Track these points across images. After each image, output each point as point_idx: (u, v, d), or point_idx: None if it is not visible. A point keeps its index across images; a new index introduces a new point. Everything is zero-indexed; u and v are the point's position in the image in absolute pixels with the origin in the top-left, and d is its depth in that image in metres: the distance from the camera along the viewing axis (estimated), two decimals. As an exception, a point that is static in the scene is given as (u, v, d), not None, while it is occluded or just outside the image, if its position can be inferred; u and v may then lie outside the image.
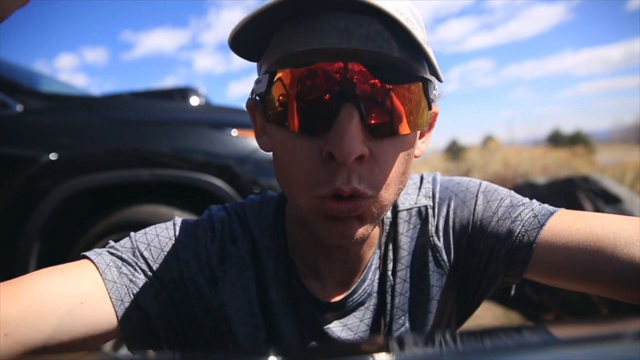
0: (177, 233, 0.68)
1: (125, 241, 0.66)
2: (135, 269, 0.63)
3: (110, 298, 0.58)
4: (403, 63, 0.52)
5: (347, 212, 0.53)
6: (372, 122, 0.52)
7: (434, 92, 0.57)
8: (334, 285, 0.69)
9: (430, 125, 0.67)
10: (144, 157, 2.16)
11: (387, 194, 0.56)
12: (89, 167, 2.13)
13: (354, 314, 0.68)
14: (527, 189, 3.77)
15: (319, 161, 0.53)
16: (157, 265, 0.65)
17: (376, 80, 0.51)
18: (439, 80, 0.57)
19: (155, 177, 2.12)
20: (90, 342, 0.57)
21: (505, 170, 7.59)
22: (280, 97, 0.54)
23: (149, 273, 0.64)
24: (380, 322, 0.69)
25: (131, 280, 0.61)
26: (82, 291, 0.56)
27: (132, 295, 0.60)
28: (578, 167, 7.15)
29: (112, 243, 0.66)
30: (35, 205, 2.08)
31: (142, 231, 0.68)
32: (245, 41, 0.55)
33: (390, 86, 0.52)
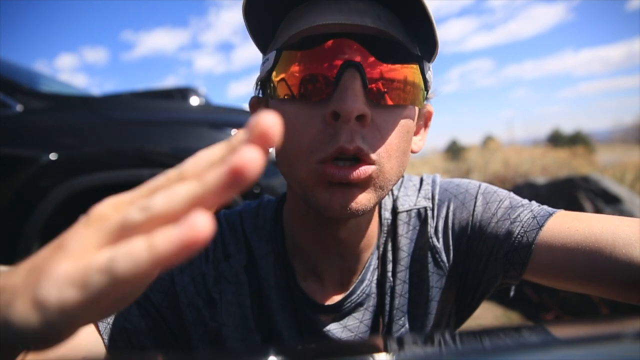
0: None
1: None
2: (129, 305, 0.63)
3: (103, 339, 0.59)
4: (402, 44, 0.56)
5: (349, 177, 0.54)
6: (373, 89, 0.54)
7: (429, 72, 0.60)
8: (333, 285, 0.69)
9: (426, 125, 0.69)
10: (144, 157, 2.16)
11: (389, 166, 0.57)
12: (89, 167, 2.13)
13: (353, 314, 0.68)
14: (527, 189, 3.77)
15: (322, 126, 0.55)
16: (153, 293, 0.65)
17: (375, 58, 0.54)
18: (435, 50, 0.59)
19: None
20: None
21: (505, 170, 7.59)
22: (286, 71, 0.56)
23: (143, 305, 0.64)
24: (379, 323, 0.69)
25: (126, 319, 0.62)
26: (76, 345, 0.55)
27: (125, 334, 0.61)
28: (578, 167, 7.14)
29: None
30: (35, 205, 2.08)
31: None
32: (257, 24, 0.60)
33: (388, 63, 0.55)
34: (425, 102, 0.64)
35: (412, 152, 0.65)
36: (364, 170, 0.54)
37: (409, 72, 0.57)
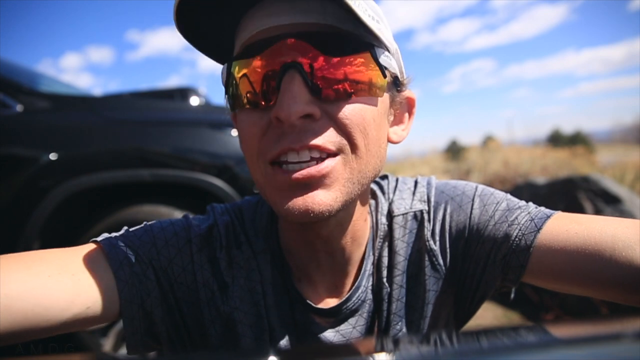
0: (192, 235, 0.68)
1: (141, 233, 0.66)
2: (147, 268, 0.62)
3: (120, 299, 0.59)
4: (350, 35, 0.55)
5: (292, 176, 0.54)
6: (319, 84, 0.54)
7: (385, 57, 0.58)
8: (326, 289, 0.68)
9: (410, 113, 0.68)
10: (144, 157, 2.16)
11: (358, 158, 0.56)
12: (88, 167, 2.13)
13: (348, 320, 0.68)
14: (527, 189, 3.77)
15: (270, 129, 0.56)
16: (172, 264, 0.65)
17: (319, 51, 0.54)
18: (386, 48, 0.58)
19: (155, 177, 2.12)
20: (87, 328, 0.58)
21: (505, 171, 7.59)
22: (236, 82, 0.57)
23: (160, 272, 0.64)
24: (374, 329, 0.69)
25: (141, 282, 0.61)
26: (91, 294, 0.56)
27: (140, 298, 0.61)
28: (578, 167, 7.14)
29: (127, 231, 0.66)
30: (35, 205, 2.08)
31: (158, 225, 0.68)
32: (211, 42, 0.61)
33: (335, 56, 0.54)
34: (402, 89, 0.63)
35: (393, 142, 0.64)
36: (318, 168, 0.54)
37: (359, 62, 0.55)
